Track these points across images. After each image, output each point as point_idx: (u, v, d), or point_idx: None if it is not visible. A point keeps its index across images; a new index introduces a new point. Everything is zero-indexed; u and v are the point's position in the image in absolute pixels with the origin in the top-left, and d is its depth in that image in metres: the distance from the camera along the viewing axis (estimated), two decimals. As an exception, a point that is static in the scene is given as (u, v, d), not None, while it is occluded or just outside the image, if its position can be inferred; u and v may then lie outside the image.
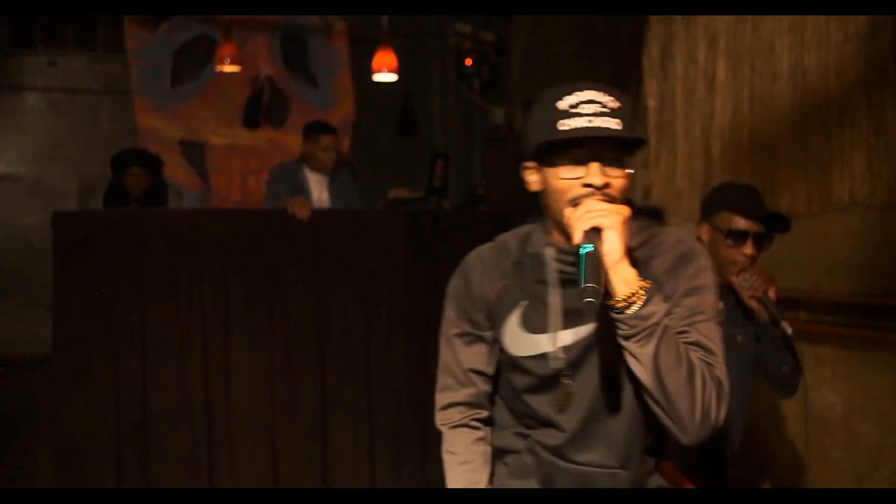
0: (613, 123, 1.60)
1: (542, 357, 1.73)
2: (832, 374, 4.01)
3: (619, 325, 1.57)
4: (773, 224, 2.76)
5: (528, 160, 1.70)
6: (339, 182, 5.49)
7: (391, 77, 5.97)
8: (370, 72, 6.00)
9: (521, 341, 1.77)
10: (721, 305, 2.25)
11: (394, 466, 4.40)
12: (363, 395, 4.37)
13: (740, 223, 2.71)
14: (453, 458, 1.91)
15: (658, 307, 1.57)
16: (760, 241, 2.73)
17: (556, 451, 1.77)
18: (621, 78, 4.97)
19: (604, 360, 1.71)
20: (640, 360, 1.57)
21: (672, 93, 4.95)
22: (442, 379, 1.92)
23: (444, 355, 1.91)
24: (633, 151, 1.67)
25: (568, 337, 1.71)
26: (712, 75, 4.63)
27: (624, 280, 1.56)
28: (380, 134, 7.05)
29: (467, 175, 7.18)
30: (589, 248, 1.53)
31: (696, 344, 1.63)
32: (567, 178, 1.63)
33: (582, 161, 1.61)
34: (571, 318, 1.70)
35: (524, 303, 1.76)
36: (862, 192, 3.82)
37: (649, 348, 1.56)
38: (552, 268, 1.71)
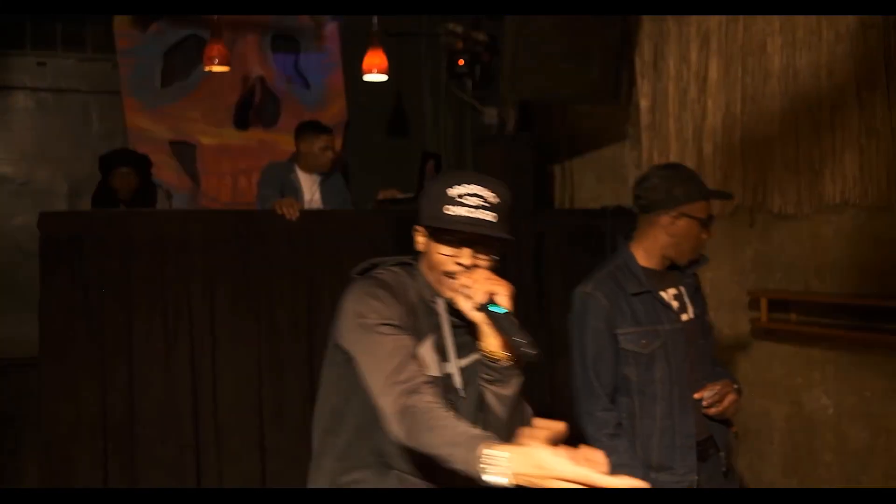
0: (490, 217, 1.94)
1: (447, 377, 2.03)
2: (822, 376, 4.00)
3: (491, 372, 1.94)
4: None
5: (419, 225, 2.07)
6: (332, 183, 5.46)
7: (381, 77, 5.94)
8: (361, 72, 5.97)
9: (433, 364, 2.01)
10: None
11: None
12: (351, 396, 4.33)
13: (709, 209, 2.92)
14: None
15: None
16: None
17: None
18: (611, 77, 4.95)
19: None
20: (500, 400, 1.96)
21: (664, 93, 4.93)
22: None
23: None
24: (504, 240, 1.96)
25: (462, 364, 2.05)
26: (704, 75, 4.61)
27: (502, 342, 1.92)
28: (371, 134, 7.02)
29: (459, 176, 7.10)
30: (501, 309, 1.86)
31: None
32: (444, 255, 1.99)
33: (457, 244, 1.97)
34: (461, 350, 2.05)
35: (431, 334, 2.03)
36: (853, 192, 3.81)
37: (510, 391, 1.96)
38: (444, 315, 2.04)
